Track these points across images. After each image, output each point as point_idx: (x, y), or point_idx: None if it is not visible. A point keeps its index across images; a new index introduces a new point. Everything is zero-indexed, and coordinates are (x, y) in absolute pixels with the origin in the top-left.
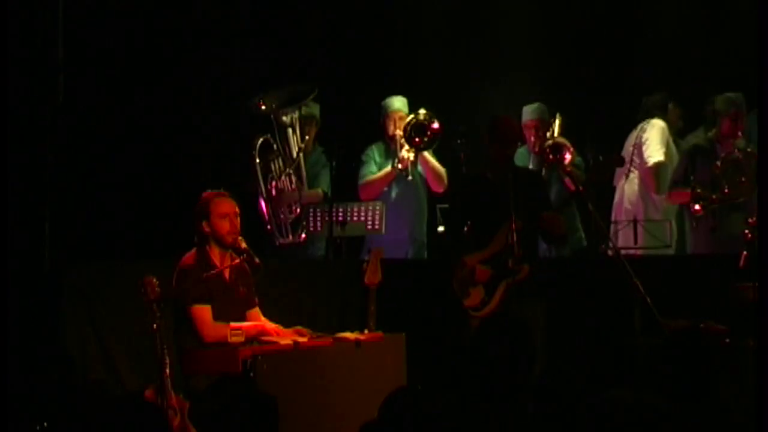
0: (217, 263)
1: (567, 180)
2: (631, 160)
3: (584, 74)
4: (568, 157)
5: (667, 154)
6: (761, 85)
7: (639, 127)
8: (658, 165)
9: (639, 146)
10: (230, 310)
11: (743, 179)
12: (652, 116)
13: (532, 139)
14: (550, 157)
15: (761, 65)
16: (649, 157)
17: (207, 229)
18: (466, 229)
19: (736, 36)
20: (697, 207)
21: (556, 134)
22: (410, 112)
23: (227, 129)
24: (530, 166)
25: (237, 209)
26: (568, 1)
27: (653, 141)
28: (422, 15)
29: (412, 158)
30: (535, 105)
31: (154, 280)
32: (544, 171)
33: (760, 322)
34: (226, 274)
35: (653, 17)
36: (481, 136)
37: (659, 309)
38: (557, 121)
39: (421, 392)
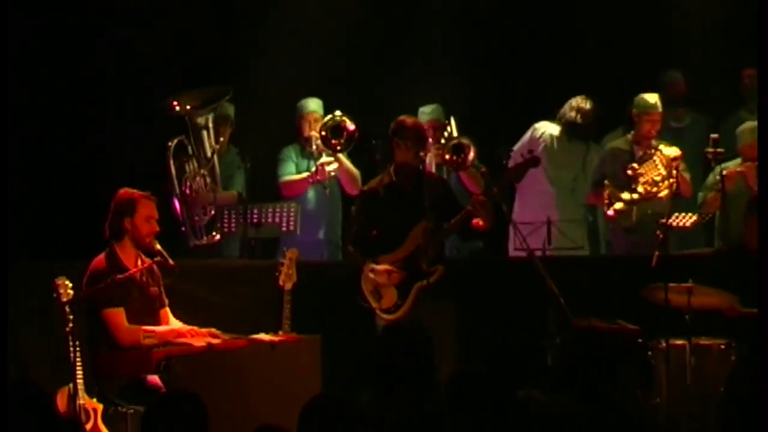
0: (128, 264)
1: (466, 180)
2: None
3: (499, 75)
4: (470, 157)
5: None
6: (761, 85)
7: (539, 126)
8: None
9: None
10: (143, 310)
11: (656, 179)
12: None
13: (430, 140)
14: (453, 157)
15: (761, 65)
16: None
17: (128, 227)
18: (374, 233)
19: (654, 37)
20: (610, 213)
21: (454, 135)
22: (325, 114)
23: (141, 130)
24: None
25: (157, 215)
26: (479, 2)
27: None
28: (337, 16)
29: (333, 170)
30: (432, 106)
31: (67, 282)
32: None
33: (760, 321)
34: (138, 274)
35: (571, 17)
36: (390, 139)
37: (573, 309)
38: (453, 123)
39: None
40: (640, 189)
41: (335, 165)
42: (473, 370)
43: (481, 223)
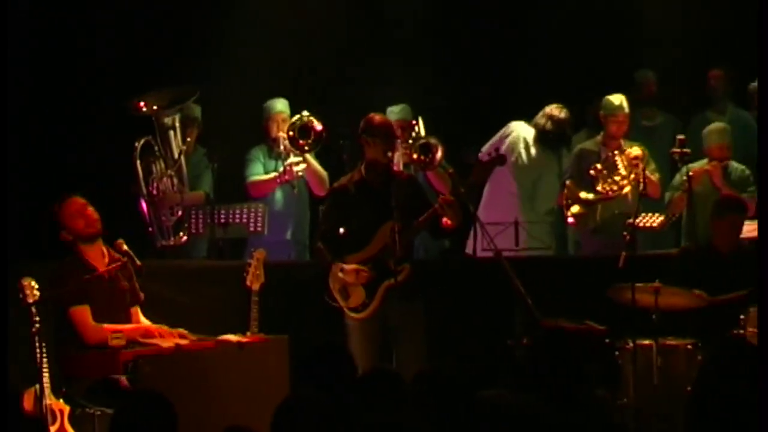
0: (93, 262)
1: (433, 180)
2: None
3: (467, 75)
4: (438, 156)
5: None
6: (761, 85)
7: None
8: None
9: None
10: (112, 308)
11: (616, 178)
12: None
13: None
14: (421, 157)
15: (761, 64)
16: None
17: (68, 237)
18: (342, 231)
19: (622, 38)
20: (571, 220)
21: (422, 134)
22: (292, 114)
23: (107, 131)
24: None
25: (84, 200)
26: (448, 1)
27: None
28: (304, 16)
29: (300, 170)
30: (400, 106)
31: (32, 282)
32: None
33: (760, 322)
34: (104, 270)
35: (541, 17)
36: (359, 136)
37: (541, 310)
38: (420, 122)
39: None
40: (598, 187)
41: (303, 165)
42: (438, 370)
43: (449, 222)
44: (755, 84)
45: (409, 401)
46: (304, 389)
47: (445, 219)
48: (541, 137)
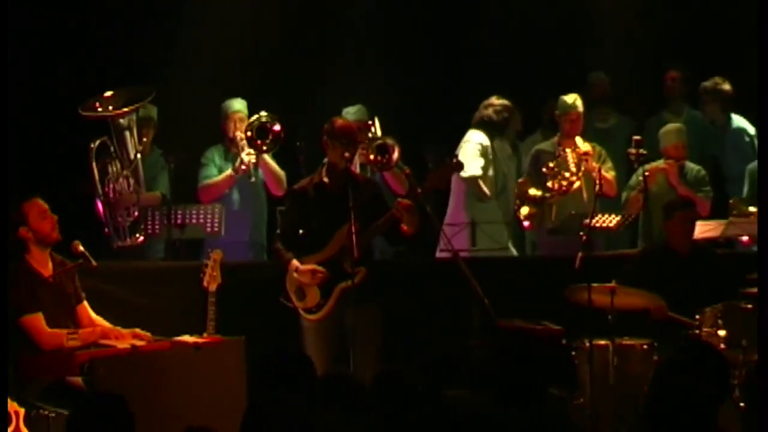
0: (39, 267)
1: (390, 181)
2: None
3: (423, 75)
4: (394, 157)
5: (484, 166)
6: (761, 85)
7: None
8: (470, 178)
9: None
10: (59, 311)
11: (566, 174)
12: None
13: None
14: (378, 158)
15: (761, 64)
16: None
17: (28, 234)
18: (301, 232)
19: (573, 39)
20: (526, 224)
21: (378, 135)
22: (250, 114)
23: (63, 131)
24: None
25: (46, 206)
26: (406, 1)
27: (468, 154)
28: (262, 17)
29: (253, 160)
30: (356, 107)
31: None
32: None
33: (760, 321)
34: (50, 276)
35: (496, 19)
36: (321, 138)
37: (498, 310)
38: (377, 123)
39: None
40: (549, 184)
41: (253, 158)
42: (395, 371)
43: (405, 228)
44: (707, 83)
45: (367, 403)
46: (264, 391)
47: (402, 225)
48: (489, 128)
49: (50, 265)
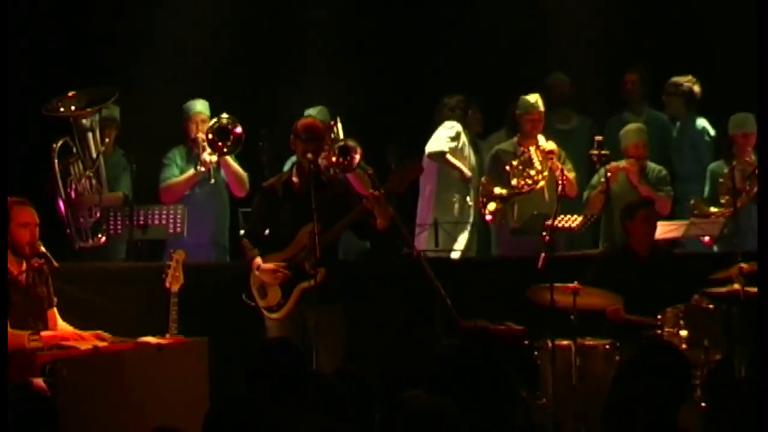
0: (10, 267)
1: (353, 182)
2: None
3: (385, 77)
4: (357, 158)
5: (454, 147)
6: (761, 85)
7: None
8: (435, 153)
9: None
10: (28, 312)
11: (531, 172)
12: (449, 118)
13: None
14: (340, 159)
15: (761, 64)
16: (427, 148)
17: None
18: (267, 231)
19: (537, 39)
20: (489, 217)
21: (340, 137)
22: (212, 116)
23: (25, 132)
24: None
25: (37, 219)
26: (367, 2)
27: (437, 135)
28: (224, 18)
29: (214, 160)
30: (317, 108)
31: None
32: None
33: (760, 321)
34: (22, 277)
35: (457, 20)
36: (288, 138)
37: (460, 310)
38: (339, 124)
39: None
40: (513, 182)
41: (215, 157)
42: (355, 371)
43: (378, 221)
44: (677, 78)
45: (328, 402)
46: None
47: (375, 218)
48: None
49: (24, 266)
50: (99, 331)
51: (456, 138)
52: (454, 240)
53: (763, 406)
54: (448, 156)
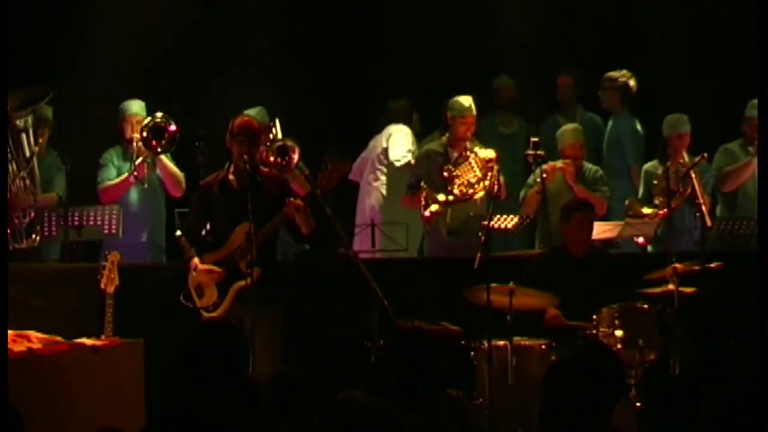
0: None
1: (291, 182)
2: (380, 163)
3: (324, 77)
4: (295, 158)
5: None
6: (761, 85)
7: (384, 131)
8: (401, 168)
9: (386, 150)
10: None
11: (472, 180)
12: (396, 121)
13: None
14: (278, 159)
15: (761, 64)
16: (396, 161)
17: None
18: (204, 231)
19: (474, 39)
20: (427, 214)
21: (279, 137)
22: (147, 116)
23: None
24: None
25: None
26: (307, 2)
27: (400, 143)
28: (161, 18)
29: (148, 161)
30: (256, 108)
31: None
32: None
33: (760, 320)
34: None
35: (397, 21)
36: (223, 138)
37: (397, 311)
38: (277, 125)
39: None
40: (456, 191)
41: (149, 160)
42: (291, 373)
43: (301, 228)
44: (614, 72)
45: (264, 404)
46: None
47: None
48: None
49: None
50: (33, 333)
51: (414, 142)
52: (394, 240)
53: (763, 406)
54: (412, 161)
